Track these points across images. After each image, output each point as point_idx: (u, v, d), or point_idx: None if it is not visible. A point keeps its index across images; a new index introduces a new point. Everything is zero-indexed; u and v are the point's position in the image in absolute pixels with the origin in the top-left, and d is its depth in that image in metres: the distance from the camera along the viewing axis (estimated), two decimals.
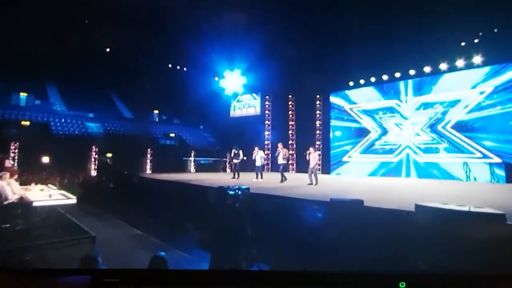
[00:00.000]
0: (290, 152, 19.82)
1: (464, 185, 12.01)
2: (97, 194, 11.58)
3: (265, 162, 12.03)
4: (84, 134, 17.77)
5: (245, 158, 13.53)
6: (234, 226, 4.96)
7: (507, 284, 2.43)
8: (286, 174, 11.80)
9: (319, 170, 17.27)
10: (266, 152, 20.29)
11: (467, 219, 4.18)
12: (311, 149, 10.67)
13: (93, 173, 15.99)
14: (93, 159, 16.19)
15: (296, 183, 10.86)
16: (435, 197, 7.99)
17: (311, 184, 10.30)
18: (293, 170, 19.70)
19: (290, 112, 20.44)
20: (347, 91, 17.94)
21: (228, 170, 18.96)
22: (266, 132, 20.94)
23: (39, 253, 4.53)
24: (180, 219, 7.64)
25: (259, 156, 12.20)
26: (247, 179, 12.27)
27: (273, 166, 16.41)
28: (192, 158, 20.27)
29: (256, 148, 12.32)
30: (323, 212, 5.12)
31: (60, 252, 4.63)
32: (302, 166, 11.12)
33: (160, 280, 2.59)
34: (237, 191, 5.15)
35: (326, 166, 18.36)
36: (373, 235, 4.09)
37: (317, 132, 19.14)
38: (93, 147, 16.28)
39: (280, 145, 11.76)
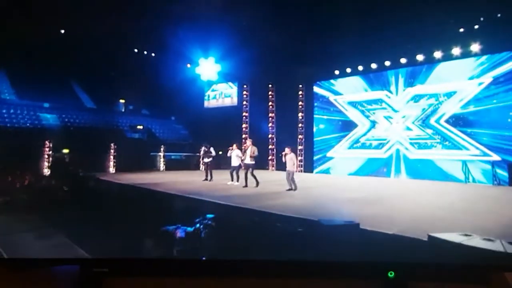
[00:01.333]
0: (270, 146, 19.38)
1: (465, 189, 11.49)
2: (44, 202, 9.99)
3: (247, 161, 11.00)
4: (37, 127, 16.38)
5: (220, 153, 12.92)
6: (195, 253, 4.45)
7: (497, 274, 2.51)
8: (265, 172, 11.40)
9: (301, 167, 17.21)
10: (243, 146, 19.63)
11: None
12: (287, 150, 9.96)
13: (46, 173, 14.62)
14: (46, 156, 14.86)
15: (275, 188, 10.26)
16: (442, 212, 7.19)
17: (291, 189, 9.70)
18: (273, 168, 19.25)
19: (270, 103, 19.91)
20: (332, 81, 17.59)
21: (202, 167, 17.67)
22: (244, 125, 20.42)
23: None
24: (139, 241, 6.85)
25: (235, 155, 11.38)
26: (221, 181, 11.65)
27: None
28: (161, 154, 19.02)
29: (234, 146, 11.52)
30: (309, 238, 4.44)
31: None
32: (283, 163, 10.47)
33: (150, 268, 2.67)
34: (199, 226, 3.86)
35: (309, 163, 18.13)
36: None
37: (300, 125, 18.67)
38: (47, 142, 14.82)
39: (249, 142, 11.06)
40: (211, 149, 12.75)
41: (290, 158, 9.96)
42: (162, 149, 18.86)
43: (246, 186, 10.30)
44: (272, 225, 6.05)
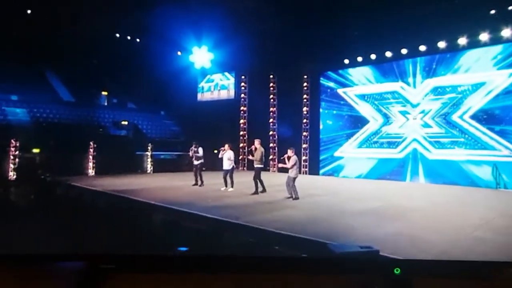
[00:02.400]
0: (271, 145, 19.05)
1: (499, 197, 10.76)
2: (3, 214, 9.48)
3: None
4: (3, 123, 15.62)
5: (215, 151, 12.57)
6: None
7: (505, 270, 2.75)
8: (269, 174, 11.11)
9: (305, 168, 17.14)
10: (242, 145, 19.79)
11: None
12: (289, 152, 9.56)
13: (11, 177, 13.90)
14: (12, 157, 14.05)
15: (273, 196, 9.87)
16: (482, 232, 6.35)
17: (291, 197, 9.38)
18: (274, 169, 18.94)
19: (271, 96, 19.59)
20: (341, 71, 17.21)
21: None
22: (242, 121, 20.24)
23: None
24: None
25: (227, 157, 10.98)
26: (213, 187, 11.25)
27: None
28: (149, 153, 18.30)
29: (226, 146, 11.07)
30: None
31: None
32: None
33: (157, 265, 2.84)
34: None
35: (314, 164, 17.80)
36: (381, 268, 3.07)
37: (304, 121, 18.30)
38: (13, 140, 14.01)
39: (257, 142, 10.57)
40: (199, 149, 12.20)
41: (293, 162, 9.47)
42: (149, 148, 18.27)
43: (257, 193, 10.10)
44: (268, 246, 5.52)
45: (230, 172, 10.97)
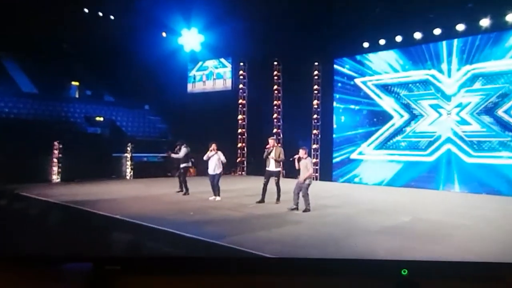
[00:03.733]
0: (296, 156, 18.62)
1: None
2: None
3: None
4: None
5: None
6: None
7: (510, 271, 3.14)
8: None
9: (315, 173, 16.63)
10: (240, 145, 19.84)
11: None
12: (301, 152, 9.41)
13: None
14: None
15: (274, 207, 9.74)
16: None
17: (296, 208, 9.21)
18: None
19: (275, 87, 19.35)
20: (359, 57, 16.98)
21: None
22: (240, 116, 19.99)
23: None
24: None
25: (215, 159, 10.92)
26: (201, 197, 11.15)
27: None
28: (128, 155, 17.82)
29: (214, 146, 11.03)
30: (323, 271, 3.86)
31: None
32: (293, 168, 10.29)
33: (162, 267, 3.33)
34: None
35: (327, 168, 17.64)
36: (388, 270, 3.45)
37: (314, 116, 18.08)
38: None
39: (272, 141, 10.53)
40: (182, 148, 12.01)
41: (305, 165, 9.31)
42: (129, 148, 17.74)
43: (263, 201, 10.22)
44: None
45: (218, 177, 10.89)
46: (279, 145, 10.59)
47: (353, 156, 16.90)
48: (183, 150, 11.96)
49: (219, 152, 10.92)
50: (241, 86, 20.02)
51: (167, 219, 7.97)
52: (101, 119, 19.50)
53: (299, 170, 9.40)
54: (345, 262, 3.81)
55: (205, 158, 10.96)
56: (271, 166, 10.26)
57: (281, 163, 10.49)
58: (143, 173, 17.69)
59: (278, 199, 10.29)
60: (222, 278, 3.14)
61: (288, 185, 9.93)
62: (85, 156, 16.00)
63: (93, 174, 15.79)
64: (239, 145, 19.81)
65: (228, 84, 20.06)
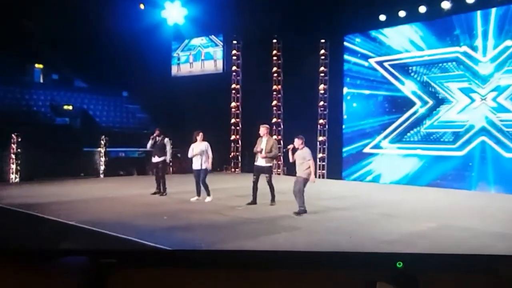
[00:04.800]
0: (275, 137, 18.65)
1: None
2: None
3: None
4: None
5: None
6: None
7: (508, 264, 3.43)
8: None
9: (322, 170, 17.29)
10: (233, 137, 19.85)
11: None
12: (297, 142, 9.26)
13: None
14: None
15: (267, 210, 9.55)
16: None
17: (301, 213, 8.84)
18: (279, 170, 18.64)
19: (274, 70, 19.13)
20: (374, 33, 16.68)
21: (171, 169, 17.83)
22: (234, 104, 19.86)
23: None
24: None
25: (198, 151, 10.76)
26: (180, 198, 11.11)
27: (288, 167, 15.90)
28: (102, 149, 17.56)
29: (200, 135, 10.84)
30: (318, 264, 4.10)
31: None
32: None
33: (158, 260, 3.64)
34: None
35: (335, 164, 17.48)
36: (384, 262, 3.80)
37: (321, 103, 17.84)
38: None
39: (264, 130, 10.29)
40: (166, 140, 11.81)
41: (303, 156, 9.08)
42: (103, 142, 17.48)
43: (254, 203, 10.04)
44: None
45: (204, 173, 10.61)
46: (275, 137, 10.41)
47: (366, 150, 16.67)
48: (168, 143, 11.78)
49: (203, 143, 10.68)
50: (234, 68, 19.77)
51: (133, 225, 7.89)
52: (70, 107, 19.33)
53: (294, 163, 9.19)
54: (339, 255, 4.22)
55: (189, 154, 10.77)
56: (260, 161, 10.01)
57: (273, 158, 10.25)
58: (119, 171, 17.56)
59: (272, 200, 10.03)
60: (217, 271, 3.46)
61: (289, 183, 9.69)
62: (50, 151, 15.68)
63: (59, 172, 15.58)
64: (233, 137, 19.70)
65: (219, 66, 19.89)
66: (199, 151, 10.64)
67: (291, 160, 9.24)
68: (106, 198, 11.46)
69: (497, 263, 3.46)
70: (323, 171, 17.36)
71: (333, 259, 3.82)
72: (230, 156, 19.49)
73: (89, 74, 21.00)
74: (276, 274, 3.43)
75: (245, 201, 10.05)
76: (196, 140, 10.75)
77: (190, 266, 3.50)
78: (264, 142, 10.02)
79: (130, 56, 18.89)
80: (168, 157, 11.85)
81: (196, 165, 10.69)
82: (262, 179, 9.93)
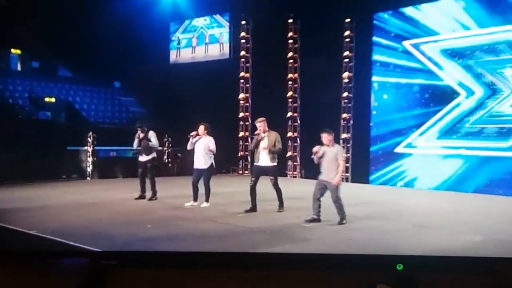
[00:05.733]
0: (291, 135, 18.75)
1: None
2: None
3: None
4: None
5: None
6: None
7: (505, 266, 4.02)
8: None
9: (345, 172, 16.46)
10: (242, 134, 19.72)
11: None
12: (325, 138, 9.01)
13: None
14: None
15: (272, 218, 9.62)
16: None
17: (317, 220, 8.88)
18: (295, 173, 18.62)
19: (290, 55, 18.82)
20: (408, 11, 16.33)
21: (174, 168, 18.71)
22: (242, 95, 19.71)
23: None
24: None
25: (200, 147, 10.77)
26: (172, 203, 11.24)
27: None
28: (89, 148, 17.53)
29: (202, 128, 10.83)
30: (319, 266, 4.85)
31: None
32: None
33: (158, 262, 4.26)
34: None
35: (361, 166, 17.26)
36: (384, 264, 4.60)
37: (344, 95, 17.53)
38: None
39: (262, 123, 10.24)
40: (151, 133, 11.77)
41: (333, 157, 8.90)
42: (90, 139, 17.56)
43: (254, 210, 10.04)
44: None
45: (206, 174, 10.59)
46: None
47: (399, 149, 16.38)
48: (154, 137, 11.67)
49: (209, 138, 10.56)
50: (243, 53, 19.52)
51: (106, 235, 7.82)
52: (53, 100, 19.29)
53: (319, 165, 8.93)
54: (340, 257, 4.83)
55: (188, 147, 10.72)
56: (263, 160, 9.88)
57: (277, 155, 10.08)
58: (109, 172, 17.48)
59: (281, 205, 9.95)
60: (218, 272, 3.93)
61: (305, 187, 10.06)
62: (27, 151, 15.69)
63: (37, 174, 15.59)
64: (241, 134, 19.41)
65: (226, 50, 19.82)
66: (199, 147, 10.56)
67: (316, 161, 9.00)
68: (84, 204, 11.40)
69: (497, 265, 4.04)
70: (346, 174, 16.77)
71: (334, 261, 4.46)
72: (238, 155, 19.27)
73: (75, 61, 20.91)
74: (276, 275, 3.96)
75: (248, 206, 10.01)
76: (197, 134, 10.66)
77: (189, 268, 4.03)
78: (266, 138, 9.93)
79: (122, 40, 18.91)
80: (156, 147, 11.83)
81: (197, 164, 10.62)
82: (262, 182, 9.92)
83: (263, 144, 9.96)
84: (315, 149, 8.97)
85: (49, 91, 19.67)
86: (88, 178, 17.30)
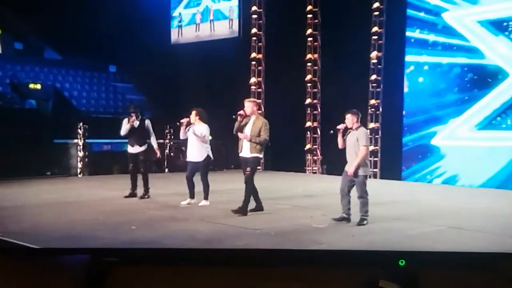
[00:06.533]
0: (310, 125, 18.89)
1: None
2: None
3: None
4: None
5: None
6: None
7: (506, 261, 4.53)
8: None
9: (373, 168, 17.08)
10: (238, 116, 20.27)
11: None
12: (349, 119, 9.00)
13: None
14: None
15: (279, 218, 9.76)
16: None
17: (346, 219, 8.90)
18: (315, 168, 18.67)
19: (309, 32, 18.73)
20: None
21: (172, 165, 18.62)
22: (254, 80, 19.67)
23: None
24: None
25: (192, 136, 10.82)
26: (166, 201, 11.42)
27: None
28: (80, 141, 17.50)
29: (193, 114, 10.79)
30: (322, 262, 5.63)
31: None
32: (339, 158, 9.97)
33: (159, 258, 4.82)
34: None
35: (393, 159, 17.13)
36: (386, 260, 5.19)
37: (373, 77, 17.39)
38: None
39: (250, 104, 10.03)
40: (148, 122, 11.74)
41: (354, 141, 8.85)
42: (81, 131, 17.49)
43: (260, 208, 10.06)
44: None
45: (203, 168, 10.59)
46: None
47: (436, 141, 16.13)
48: (149, 123, 11.61)
49: (202, 125, 10.40)
50: (254, 31, 19.37)
51: (86, 236, 7.78)
52: (38, 86, 19.37)
53: (344, 150, 8.87)
54: (342, 253, 5.35)
55: (181, 136, 10.72)
56: (245, 150, 9.60)
57: (261, 146, 9.64)
58: (102, 168, 17.42)
59: (242, 210, 9.62)
60: (219, 269, 4.47)
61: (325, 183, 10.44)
62: (8, 144, 15.64)
63: (21, 170, 15.59)
64: (238, 116, 19.18)
65: (235, 27, 19.61)
66: (192, 137, 10.45)
67: (340, 146, 8.86)
68: (63, 203, 11.28)
69: (498, 261, 4.51)
70: (375, 170, 16.89)
71: (335, 257, 5.06)
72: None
73: (64, 42, 20.73)
74: (278, 272, 4.41)
75: (254, 205, 9.82)
76: (189, 122, 10.56)
77: (190, 265, 4.50)
78: (251, 123, 9.55)
79: (118, 17, 18.59)
80: (154, 145, 11.71)
81: (190, 156, 10.55)
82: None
83: (247, 130, 9.64)
84: (340, 126, 8.83)
85: (34, 76, 19.68)
86: (79, 175, 17.30)
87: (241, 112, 9.62)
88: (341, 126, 8.81)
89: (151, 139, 11.73)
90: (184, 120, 10.51)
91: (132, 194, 11.42)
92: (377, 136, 17.17)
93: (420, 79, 16.54)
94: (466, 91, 15.69)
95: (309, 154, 18.57)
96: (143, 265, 4.55)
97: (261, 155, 9.81)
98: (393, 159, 16.91)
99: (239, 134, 9.71)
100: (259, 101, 10.19)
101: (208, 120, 10.82)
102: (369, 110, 17.17)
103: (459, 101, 15.80)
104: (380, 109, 17.23)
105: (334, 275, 4.24)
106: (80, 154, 17.48)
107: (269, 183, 14.50)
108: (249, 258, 4.83)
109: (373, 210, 9.62)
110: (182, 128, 10.60)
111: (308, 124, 18.55)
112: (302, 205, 10.32)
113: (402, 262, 4.27)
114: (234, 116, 10.22)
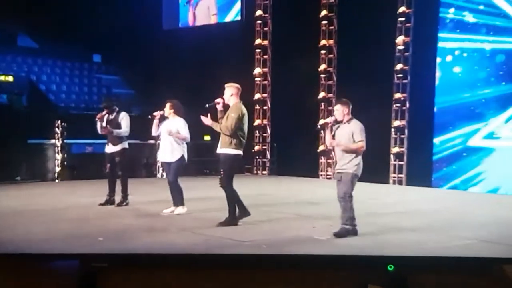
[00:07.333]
0: (323, 121, 18.24)
1: None
2: None
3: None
4: None
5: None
6: None
7: (496, 267, 5.09)
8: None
9: (398, 173, 17.33)
10: (258, 122, 20.06)
11: None
12: (339, 110, 8.81)
13: None
14: None
15: (269, 228, 9.83)
16: None
17: (344, 235, 8.73)
18: (328, 174, 18.55)
19: (323, 14, 18.59)
20: None
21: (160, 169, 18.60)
22: (258, 70, 19.68)
23: None
24: None
25: (167, 130, 10.80)
26: (147, 209, 11.50)
27: None
28: (58, 141, 17.76)
29: (168, 107, 10.85)
30: (312, 266, 6.40)
31: None
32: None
33: (149, 263, 5.32)
34: None
35: (423, 164, 16.91)
36: (375, 265, 5.90)
37: (398, 67, 17.09)
38: None
39: (230, 89, 9.80)
40: (123, 115, 11.70)
41: (348, 137, 8.57)
42: (59, 130, 17.71)
43: (244, 214, 9.99)
44: None
45: (173, 170, 10.54)
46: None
47: (475, 141, 15.76)
48: (126, 119, 11.46)
49: (178, 119, 10.33)
50: (259, 13, 19.19)
51: (37, 249, 7.62)
52: (10, 79, 19.53)
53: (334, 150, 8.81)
54: (331, 258, 6.05)
55: (153, 132, 10.82)
56: (219, 145, 9.50)
57: (236, 140, 9.33)
58: (84, 172, 17.48)
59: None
60: (210, 272, 4.99)
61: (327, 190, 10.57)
62: None
63: None
64: (257, 122, 19.19)
65: (236, 11, 19.84)
66: (167, 130, 10.35)
67: (330, 145, 8.71)
68: (22, 211, 11.17)
69: (486, 265, 5.22)
70: (400, 175, 16.65)
71: (325, 261, 5.66)
72: (253, 150, 19.07)
73: (41, 28, 20.93)
74: (268, 276, 5.01)
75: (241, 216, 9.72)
76: (162, 115, 10.52)
77: (180, 269, 5.07)
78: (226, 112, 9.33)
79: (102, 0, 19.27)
80: (124, 135, 11.56)
81: (162, 155, 10.62)
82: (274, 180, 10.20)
83: (224, 124, 9.32)
84: (328, 119, 8.91)
85: (5, 67, 19.75)
86: (56, 180, 17.50)
87: (217, 100, 9.40)
88: (330, 120, 8.65)
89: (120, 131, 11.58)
90: (157, 113, 10.39)
91: (109, 201, 11.29)
92: (403, 136, 16.84)
93: (456, 69, 16.21)
94: (510, 84, 15.42)
95: (322, 157, 18.46)
96: (132, 270, 5.05)
97: (236, 151, 9.25)
98: (421, 163, 16.60)
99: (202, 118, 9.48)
100: (236, 85, 9.80)
101: (184, 115, 10.70)
102: (394, 106, 16.88)
103: (502, 95, 15.52)
104: (407, 105, 16.85)
105: (323, 279, 4.75)
106: (58, 156, 17.70)
107: (273, 189, 14.89)
108: (240, 262, 5.40)
109: (387, 220, 10.05)
110: (154, 123, 10.52)
111: (321, 121, 17.54)
112: (306, 214, 10.33)
113: (390, 267, 4.74)
114: (207, 105, 9.88)
